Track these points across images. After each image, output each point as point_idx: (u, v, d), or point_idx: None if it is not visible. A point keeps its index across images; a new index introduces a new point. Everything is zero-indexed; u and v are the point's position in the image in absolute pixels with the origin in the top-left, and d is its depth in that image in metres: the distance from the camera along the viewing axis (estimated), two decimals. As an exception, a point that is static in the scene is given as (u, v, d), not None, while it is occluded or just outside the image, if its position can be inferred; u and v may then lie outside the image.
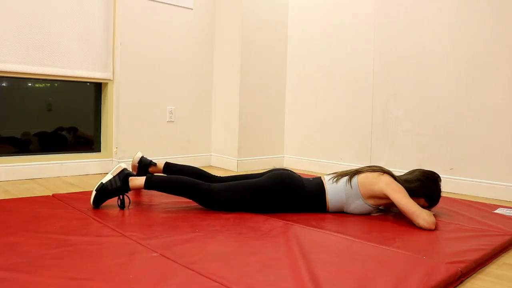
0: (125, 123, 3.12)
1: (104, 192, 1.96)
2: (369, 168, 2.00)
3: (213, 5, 3.61)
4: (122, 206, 1.99)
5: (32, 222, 1.71)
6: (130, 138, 3.14)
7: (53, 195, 2.22)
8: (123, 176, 1.98)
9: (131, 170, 2.36)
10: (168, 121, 3.37)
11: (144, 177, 1.99)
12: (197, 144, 3.58)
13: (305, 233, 1.67)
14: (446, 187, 2.70)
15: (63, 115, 3.05)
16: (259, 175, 2.10)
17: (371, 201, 1.95)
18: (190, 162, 3.50)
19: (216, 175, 2.29)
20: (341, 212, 2.01)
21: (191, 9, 3.46)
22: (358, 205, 1.96)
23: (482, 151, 2.63)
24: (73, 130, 3.12)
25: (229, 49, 3.50)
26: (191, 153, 3.55)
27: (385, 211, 2.07)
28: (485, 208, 2.21)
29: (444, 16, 2.78)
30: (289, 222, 1.82)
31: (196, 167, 2.34)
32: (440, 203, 2.23)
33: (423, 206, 1.98)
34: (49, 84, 2.96)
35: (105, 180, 1.97)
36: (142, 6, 3.16)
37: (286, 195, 1.96)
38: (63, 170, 2.91)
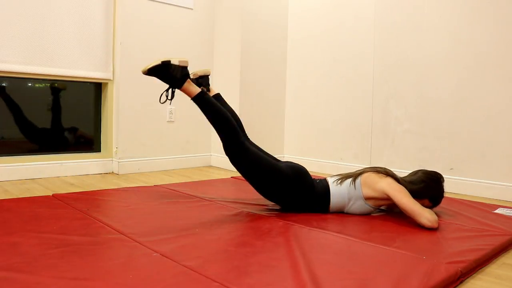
0: (125, 123, 3.12)
1: (166, 68, 1.87)
2: (372, 168, 2.00)
3: (213, 5, 3.61)
4: (166, 98, 1.91)
5: (32, 222, 1.71)
6: (130, 138, 3.14)
7: (53, 195, 2.22)
8: (185, 73, 1.91)
9: (191, 74, 2.26)
10: (168, 121, 3.37)
11: (200, 89, 1.93)
12: (197, 144, 3.58)
13: (305, 233, 1.67)
14: (446, 187, 2.68)
15: (63, 115, 3.06)
16: (276, 159, 2.08)
17: (372, 202, 1.95)
18: (190, 162, 3.50)
19: (247, 135, 2.22)
20: (341, 212, 2.01)
21: (191, 9, 3.46)
22: (359, 205, 1.96)
23: (482, 151, 2.63)
24: (73, 130, 3.12)
25: (229, 49, 3.50)
26: (191, 153, 3.55)
27: (386, 211, 2.07)
28: (485, 208, 2.21)
29: (444, 16, 2.78)
30: (289, 222, 1.82)
31: (237, 116, 2.25)
32: (441, 203, 2.23)
33: (426, 207, 1.98)
34: (49, 84, 2.96)
35: (173, 61, 1.89)
36: (142, 6, 3.16)
37: (297, 190, 1.95)
38: (63, 170, 2.91)
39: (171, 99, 1.95)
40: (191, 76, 2.20)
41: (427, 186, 1.96)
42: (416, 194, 1.92)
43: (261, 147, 2.17)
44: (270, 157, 2.07)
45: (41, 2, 2.74)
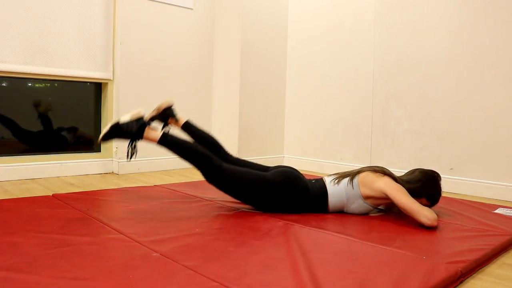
0: (125, 123, 3.11)
1: (117, 130, 1.88)
2: (370, 168, 2.00)
3: (213, 5, 3.61)
4: (130, 155, 1.92)
5: (32, 222, 1.71)
6: (130, 138, 3.14)
7: (53, 195, 2.22)
8: (141, 123, 1.90)
9: (155, 109, 2.28)
10: (168, 121, 3.37)
11: (161, 132, 1.92)
12: (197, 144, 3.58)
13: (305, 233, 1.67)
14: (446, 187, 2.70)
15: (63, 115, 3.05)
16: (265, 167, 2.09)
17: (370, 201, 1.95)
18: (190, 162, 3.49)
19: (228, 151, 2.23)
20: (341, 212, 2.01)
21: (191, 9, 3.46)
22: (358, 205, 1.96)
23: (482, 151, 2.63)
24: (73, 130, 3.12)
25: (229, 49, 3.50)
26: (191, 153, 3.55)
27: (385, 211, 2.07)
28: (485, 208, 2.21)
29: (444, 17, 2.78)
30: (289, 222, 1.82)
31: (212, 136, 2.25)
32: (440, 203, 2.23)
33: (424, 206, 1.98)
34: (49, 84, 2.96)
35: (122, 119, 1.89)
36: (142, 6, 3.16)
37: (291, 195, 1.95)
38: (63, 170, 2.91)
39: (135, 153, 1.96)
40: (155, 112, 2.23)
41: (424, 185, 1.96)
42: (413, 193, 1.92)
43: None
44: (256, 168, 2.06)
45: (41, 2, 2.74)
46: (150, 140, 1.91)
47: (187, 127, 2.25)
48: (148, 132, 1.91)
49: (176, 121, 2.25)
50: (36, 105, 2.90)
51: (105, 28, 3.05)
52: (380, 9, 3.11)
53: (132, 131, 1.88)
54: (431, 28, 2.84)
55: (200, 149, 1.93)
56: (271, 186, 1.93)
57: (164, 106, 2.25)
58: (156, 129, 1.93)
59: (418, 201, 1.95)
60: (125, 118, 1.90)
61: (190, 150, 1.92)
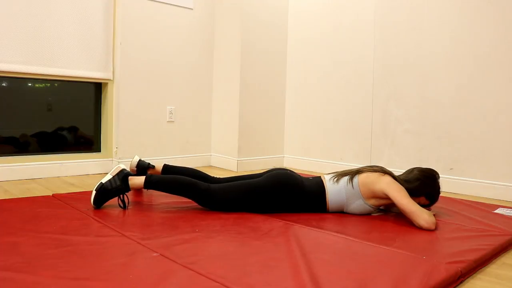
0: (125, 123, 3.11)
1: (104, 192, 1.96)
2: (370, 168, 2.00)
3: (213, 5, 3.61)
4: (123, 206, 1.99)
5: (32, 222, 1.71)
6: (130, 138, 3.14)
7: (53, 195, 2.22)
8: (123, 176, 1.98)
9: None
10: (168, 121, 3.37)
11: (144, 177, 2.00)
12: (197, 144, 3.58)
13: (305, 233, 1.67)
14: (446, 187, 2.70)
15: (63, 115, 3.06)
16: (259, 175, 2.09)
17: (371, 201, 1.95)
18: (190, 162, 3.50)
19: (215, 176, 2.29)
20: (341, 212, 2.01)
21: (191, 9, 3.46)
22: (358, 205, 1.96)
23: (482, 151, 2.63)
24: (73, 130, 3.12)
25: (229, 49, 3.50)
26: (191, 153, 3.55)
27: (385, 211, 2.07)
28: (485, 208, 2.21)
29: (444, 17, 2.78)
30: (289, 222, 1.82)
31: (194, 169, 2.35)
32: (440, 203, 2.23)
33: (424, 204, 1.98)
34: (49, 84, 2.96)
35: (104, 180, 1.98)
36: (142, 6, 3.15)
37: (286, 195, 1.96)
38: (63, 170, 2.91)
39: (128, 202, 2.03)
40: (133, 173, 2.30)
41: (423, 183, 1.96)
42: (412, 192, 1.93)
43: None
44: (248, 178, 2.09)
45: (41, 2, 2.74)
46: (137, 187, 2.00)
47: (167, 169, 2.33)
48: (132, 181, 1.99)
49: (153, 168, 2.34)
50: None
51: (105, 28, 3.05)
52: (380, 10, 3.11)
53: (117, 186, 1.97)
54: (431, 28, 2.84)
55: (184, 179, 2.00)
56: (262, 190, 1.95)
57: (134, 165, 2.35)
58: (139, 176, 2.01)
59: (417, 200, 1.95)
60: (106, 178, 1.99)
61: (175, 183, 1.98)
